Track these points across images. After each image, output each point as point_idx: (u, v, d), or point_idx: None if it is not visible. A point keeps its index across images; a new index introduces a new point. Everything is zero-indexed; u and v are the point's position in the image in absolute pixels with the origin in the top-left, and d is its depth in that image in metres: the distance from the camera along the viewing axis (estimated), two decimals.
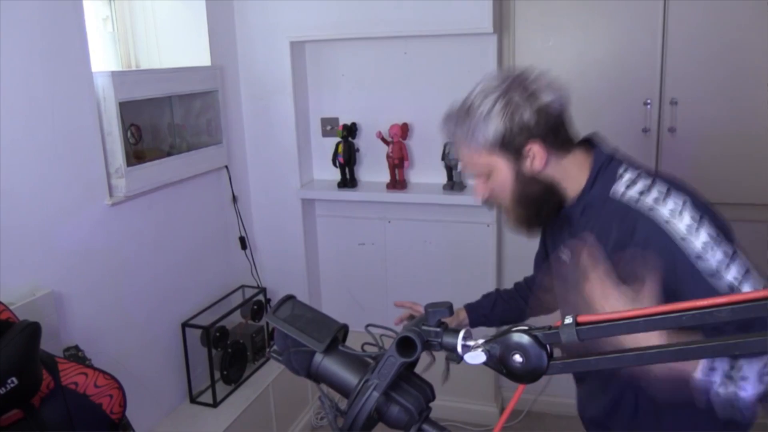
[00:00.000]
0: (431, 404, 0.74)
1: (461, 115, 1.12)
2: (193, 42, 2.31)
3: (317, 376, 0.77)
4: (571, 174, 1.12)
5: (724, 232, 1.01)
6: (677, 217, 1.01)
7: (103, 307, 1.86)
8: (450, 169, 2.42)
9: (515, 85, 1.07)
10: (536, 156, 1.08)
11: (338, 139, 2.54)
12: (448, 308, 0.70)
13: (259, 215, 2.67)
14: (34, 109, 1.61)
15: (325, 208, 2.72)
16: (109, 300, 1.88)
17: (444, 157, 2.42)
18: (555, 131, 1.08)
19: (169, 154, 2.14)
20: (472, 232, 2.53)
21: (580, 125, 2.58)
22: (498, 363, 0.66)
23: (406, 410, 0.71)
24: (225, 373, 2.24)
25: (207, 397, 2.22)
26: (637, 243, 1.01)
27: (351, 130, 2.52)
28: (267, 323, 2.51)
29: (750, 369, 0.92)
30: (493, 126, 1.07)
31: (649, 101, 2.33)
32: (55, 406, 1.24)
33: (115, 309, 1.90)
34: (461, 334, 0.68)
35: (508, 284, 2.71)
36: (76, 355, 1.64)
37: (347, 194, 2.56)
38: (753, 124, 2.25)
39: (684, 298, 0.92)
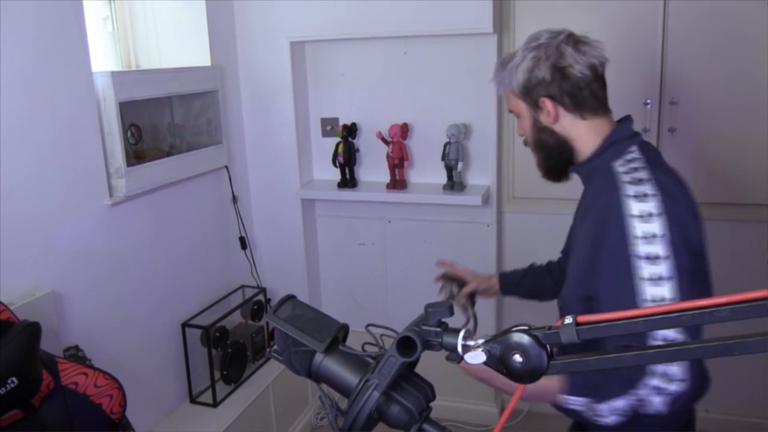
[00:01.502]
0: (431, 404, 0.74)
1: (505, 61, 1.26)
2: (193, 42, 2.31)
3: (317, 376, 0.77)
4: (585, 137, 1.22)
5: (679, 241, 1.04)
6: (640, 199, 1.06)
7: (103, 307, 1.86)
8: (450, 169, 2.42)
9: (550, 44, 1.18)
10: (548, 111, 1.21)
11: (338, 139, 2.54)
12: (448, 308, 0.70)
13: (259, 215, 2.67)
14: (34, 109, 1.61)
15: (325, 208, 2.72)
16: (109, 300, 1.88)
17: (444, 157, 2.42)
18: (573, 93, 1.18)
19: (169, 154, 2.14)
20: (472, 232, 2.53)
21: None
22: (498, 363, 0.66)
23: (406, 410, 0.71)
24: (225, 373, 2.24)
25: (207, 397, 2.22)
26: (599, 207, 1.12)
27: (351, 130, 2.53)
28: (267, 323, 2.51)
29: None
30: (518, 75, 1.21)
31: (649, 101, 2.33)
32: (55, 406, 1.24)
33: (115, 309, 1.90)
34: (461, 334, 0.68)
35: None
36: (76, 355, 1.64)
37: (347, 194, 2.56)
38: (753, 124, 2.25)
39: (598, 271, 1.04)
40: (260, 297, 2.50)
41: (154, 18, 2.32)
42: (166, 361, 2.16)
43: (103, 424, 1.32)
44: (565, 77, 1.18)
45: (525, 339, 0.64)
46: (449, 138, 2.39)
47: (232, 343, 2.28)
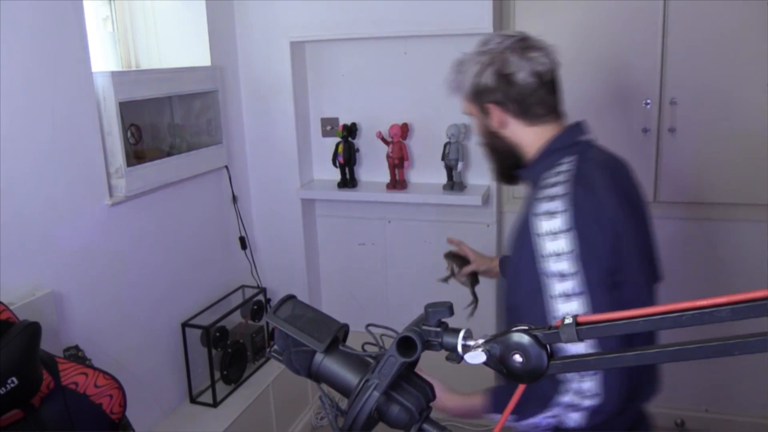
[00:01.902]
0: (432, 404, 0.74)
1: (456, 65, 1.29)
2: (193, 42, 2.31)
3: (318, 376, 0.77)
4: (531, 143, 1.22)
5: (588, 256, 1.03)
6: (548, 217, 1.06)
7: (103, 307, 1.86)
8: (450, 169, 2.42)
9: (496, 50, 1.19)
10: (494, 117, 1.22)
11: (338, 139, 2.54)
12: (448, 308, 0.70)
13: (259, 215, 2.67)
14: (34, 109, 1.61)
15: (325, 208, 2.72)
16: (109, 300, 1.88)
17: (444, 157, 2.42)
18: (518, 100, 1.19)
19: (169, 154, 2.14)
20: (472, 232, 2.52)
21: None
22: (498, 363, 0.66)
23: (406, 410, 0.71)
24: (225, 373, 2.24)
25: (207, 397, 2.22)
26: (520, 223, 1.13)
27: (351, 130, 2.53)
28: (267, 323, 2.51)
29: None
30: (467, 80, 1.23)
31: (649, 101, 2.33)
32: (55, 406, 1.24)
33: (115, 309, 1.90)
34: (461, 334, 0.68)
35: None
36: (76, 355, 1.64)
37: (347, 194, 2.56)
38: (753, 124, 2.25)
39: (517, 285, 1.06)
40: (260, 297, 2.50)
41: (154, 18, 2.32)
42: (166, 361, 2.16)
43: (103, 424, 1.32)
44: (510, 84, 1.18)
45: (525, 339, 0.64)
46: (449, 138, 2.39)
47: (232, 343, 2.28)
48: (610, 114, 2.39)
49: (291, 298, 0.81)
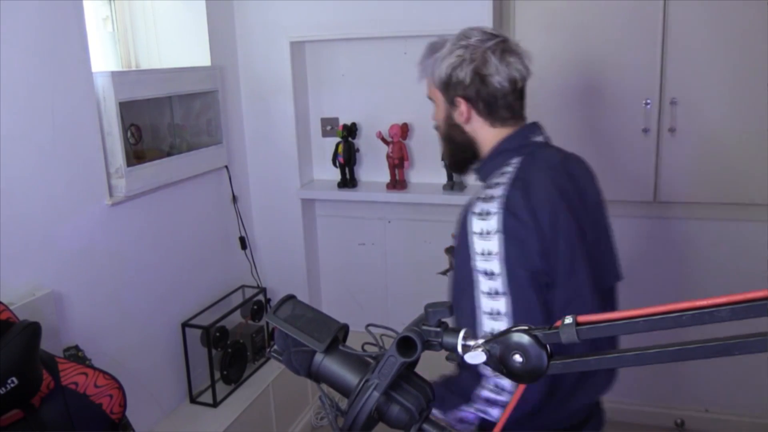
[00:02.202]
0: (431, 404, 0.74)
1: (433, 49, 1.28)
2: (193, 42, 2.31)
3: (317, 376, 0.77)
4: (489, 143, 1.25)
5: (515, 259, 1.07)
6: (483, 217, 1.09)
7: (103, 307, 1.86)
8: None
9: (478, 47, 1.20)
10: (462, 111, 1.23)
11: (338, 139, 2.54)
12: (449, 308, 0.70)
13: (259, 215, 2.67)
14: (34, 109, 1.61)
15: (325, 208, 2.72)
16: (109, 300, 1.88)
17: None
18: (488, 101, 1.21)
19: (169, 154, 2.14)
20: None
21: (581, 124, 2.59)
22: (498, 363, 0.66)
23: (406, 410, 0.71)
24: (225, 373, 2.24)
25: (207, 397, 2.22)
26: (462, 219, 1.15)
27: (351, 130, 2.53)
28: (267, 323, 2.51)
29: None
30: (441, 69, 1.23)
31: (649, 101, 2.33)
32: (55, 406, 1.24)
33: (115, 309, 1.90)
34: (461, 334, 0.68)
35: None
36: (76, 355, 1.64)
37: (347, 194, 2.56)
38: (753, 124, 2.25)
39: (456, 277, 1.07)
40: (260, 297, 2.50)
41: (154, 18, 2.32)
42: (166, 361, 2.16)
43: (103, 424, 1.32)
44: (484, 84, 1.20)
45: (525, 339, 0.64)
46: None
47: (232, 343, 2.28)
48: (610, 114, 2.39)
49: (291, 298, 0.81)
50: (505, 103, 1.22)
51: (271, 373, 2.41)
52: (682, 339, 0.59)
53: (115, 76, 1.82)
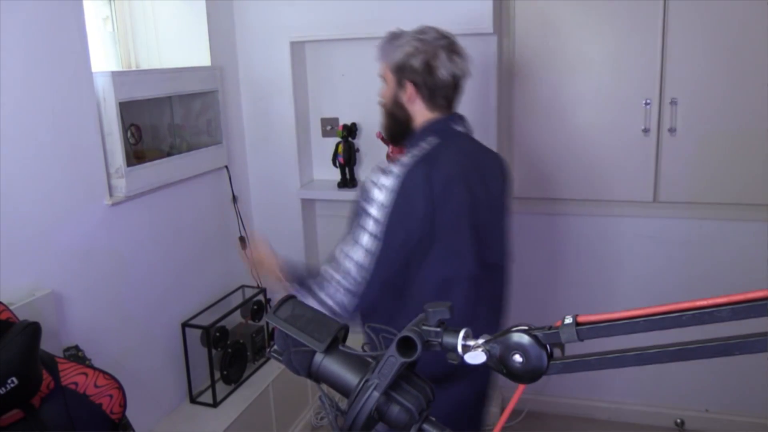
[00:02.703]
0: (431, 404, 0.74)
1: (393, 37, 1.49)
2: (193, 42, 2.31)
3: (317, 376, 0.77)
4: (421, 122, 1.48)
5: (395, 218, 1.32)
6: (387, 174, 1.35)
7: (103, 307, 1.86)
8: None
9: (432, 43, 1.43)
10: (407, 92, 1.46)
11: (338, 139, 2.54)
12: (449, 308, 0.70)
13: (259, 215, 2.67)
14: (34, 109, 1.61)
15: (325, 208, 2.72)
16: (109, 300, 1.88)
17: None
18: (431, 89, 1.44)
19: (169, 154, 2.14)
20: None
21: (581, 124, 2.59)
22: (498, 363, 0.66)
23: (406, 410, 0.71)
24: (225, 373, 2.24)
25: (207, 397, 2.22)
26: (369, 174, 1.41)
27: (351, 130, 2.52)
28: (267, 323, 2.51)
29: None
30: (398, 54, 1.45)
31: (649, 101, 2.33)
32: (55, 406, 1.24)
33: (115, 309, 1.90)
34: (461, 334, 0.69)
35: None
36: (76, 355, 1.64)
37: (347, 194, 2.56)
38: (753, 124, 2.26)
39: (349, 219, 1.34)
40: (260, 297, 2.50)
41: (154, 18, 2.32)
42: (166, 361, 2.16)
43: (103, 424, 1.32)
44: (431, 74, 1.43)
45: (525, 339, 0.64)
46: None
47: (232, 343, 2.28)
48: (610, 114, 2.39)
49: (291, 298, 0.81)
50: (443, 93, 1.45)
51: (271, 373, 2.41)
52: (681, 339, 0.59)
53: (115, 76, 1.82)
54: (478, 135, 2.49)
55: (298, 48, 2.51)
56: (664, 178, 2.40)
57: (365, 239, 1.33)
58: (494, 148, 2.42)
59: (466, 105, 2.46)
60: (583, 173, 2.48)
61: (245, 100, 2.57)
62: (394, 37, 1.49)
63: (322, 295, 1.36)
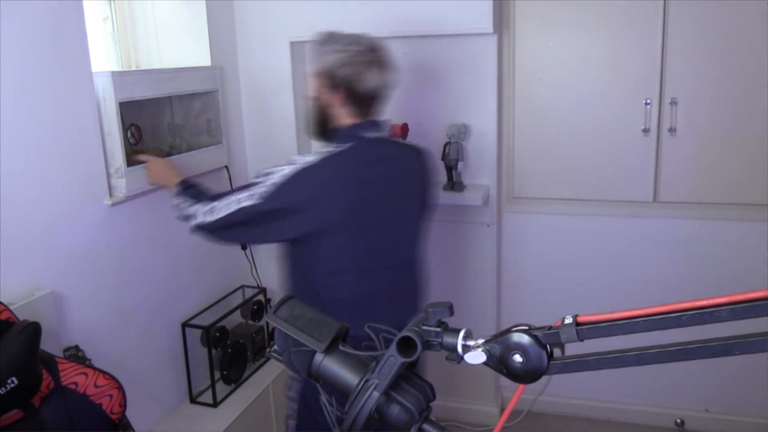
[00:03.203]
0: (431, 404, 0.74)
1: (322, 41, 1.59)
2: (193, 42, 2.31)
3: (317, 376, 0.77)
4: (341, 124, 1.60)
5: (277, 192, 1.50)
6: (291, 162, 1.54)
7: (103, 307, 1.86)
8: (450, 169, 2.42)
9: (362, 55, 1.53)
10: (330, 96, 1.57)
11: None
12: (449, 308, 0.70)
13: None
14: (34, 109, 1.61)
15: None
16: (109, 300, 1.88)
17: (444, 157, 2.42)
18: (354, 96, 1.55)
19: (169, 154, 2.14)
20: (472, 232, 2.53)
21: (581, 123, 2.59)
22: (498, 363, 0.66)
23: (406, 410, 0.71)
24: (225, 373, 2.24)
25: (207, 397, 2.23)
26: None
27: None
28: (267, 323, 2.51)
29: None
30: (325, 62, 1.56)
31: (649, 101, 2.33)
32: (55, 406, 1.24)
33: (115, 309, 1.90)
34: (461, 334, 0.69)
35: (508, 284, 2.72)
36: (76, 355, 1.64)
37: None
38: (753, 124, 2.26)
39: None
40: (260, 297, 2.50)
41: (154, 18, 2.32)
42: (166, 361, 2.16)
43: (103, 424, 1.32)
44: (358, 86, 1.53)
45: (525, 339, 0.64)
46: (449, 138, 2.39)
47: (232, 343, 2.28)
48: (610, 114, 2.39)
49: (291, 298, 0.81)
50: (364, 102, 1.56)
51: (271, 373, 2.41)
52: (681, 339, 0.59)
53: (115, 76, 1.82)
54: (477, 135, 2.51)
55: (298, 48, 2.50)
56: (664, 178, 2.40)
57: (245, 194, 1.53)
58: (494, 148, 2.44)
59: (466, 104, 2.47)
60: (583, 173, 2.48)
61: (245, 100, 2.56)
62: (328, 41, 1.58)
63: (198, 204, 1.63)
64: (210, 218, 1.57)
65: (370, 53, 1.55)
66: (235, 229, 1.58)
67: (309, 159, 1.51)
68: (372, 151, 1.59)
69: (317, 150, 1.56)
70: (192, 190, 1.70)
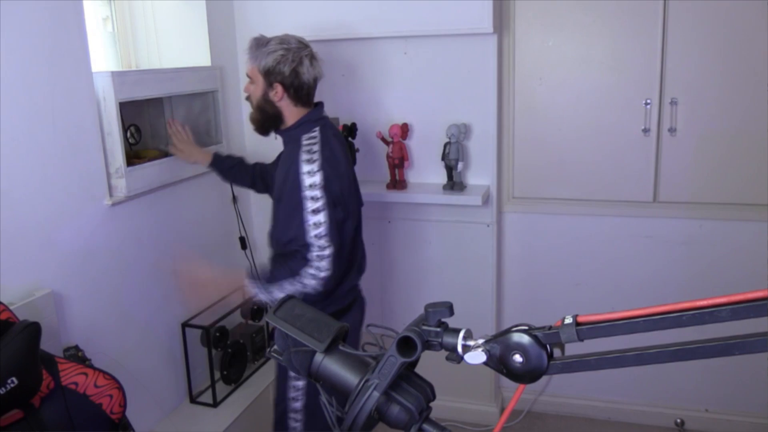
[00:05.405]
0: (431, 404, 0.74)
1: (260, 43, 1.75)
2: (193, 42, 2.31)
3: (317, 376, 0.77)
4: (291, 116, 1.79)
5: (328, 189, 1.66)
6: (309, 162, 1.68)
7: (103, 308, 1.86)
8: (450, 169, 2.42)
9: (296, 52, 1.73)
10: (276, 92, 1.75)
11: None
12: (449, 308, 0.70)
13: (259, 215, 2.67)
14: (34, 109, 1.61)
15: None
16: (109, 300, 1.88)
17: (444, 157, 2.42)
18: (297, 89, 1.75)
19: (168, 154, 2.14)
20: (472, 232, 2.53)
21: (581, 123, 2.58)
22: (498, 363, 0.66)
23: (406, 410, 0.71)
24: (225, 373, 2.24)
25: (207, 397, 2.23)
26: (287, 166, 1.72)
27: (351, 130, 2.52)
28: (267, 323, 2.51)
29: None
30: (268, 61, 1.72)
31: (649, 101, 2.33)
32: (55, 406, 1.24)
33: (115, 309, 1.90)
34: (461, 334, 0.69)
35: (508, 284, 2.72)
36: (76, 355, 1.64)
37: None
38: (753, 124, 2.26)
39: (282, 206, 1.75)
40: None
41: (154, 18, 2.32)
42: (166, 361, 2.16)
43: (103, 424, 1.32)
44: (297, 77, 1.73)
45: (525, 339, 0.64)
46: (449, 138, 2.39)
47: (232, 343, 2.28)
48: (610, 114, 2.39)
49: (291, 298, 0.81)
50: (306, 93, 1.77)
51: (271, 373, 2.41)
52: (681, 339, 0.59)
53: (115, 76, 1.82)
54: (478, 135, 2.51)
55: None
56: (664, 178, 2.40)
57: (314, 217, 1.65)
58: (494, 148, 2.44)
59: (466, 104, 2.47)
60: (583, 173, 2.48)
61: (245, 100, 2.56)
62: (261, 43, 1.74)
63: (311, 270, 1.67)
64: (323, 267, 1.66)
65: (304, 48, 1.75)
66: (339, 244, 1.70)
67: (315, 148, 1.71)
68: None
69: (301, 140, 1.75)
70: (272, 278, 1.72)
